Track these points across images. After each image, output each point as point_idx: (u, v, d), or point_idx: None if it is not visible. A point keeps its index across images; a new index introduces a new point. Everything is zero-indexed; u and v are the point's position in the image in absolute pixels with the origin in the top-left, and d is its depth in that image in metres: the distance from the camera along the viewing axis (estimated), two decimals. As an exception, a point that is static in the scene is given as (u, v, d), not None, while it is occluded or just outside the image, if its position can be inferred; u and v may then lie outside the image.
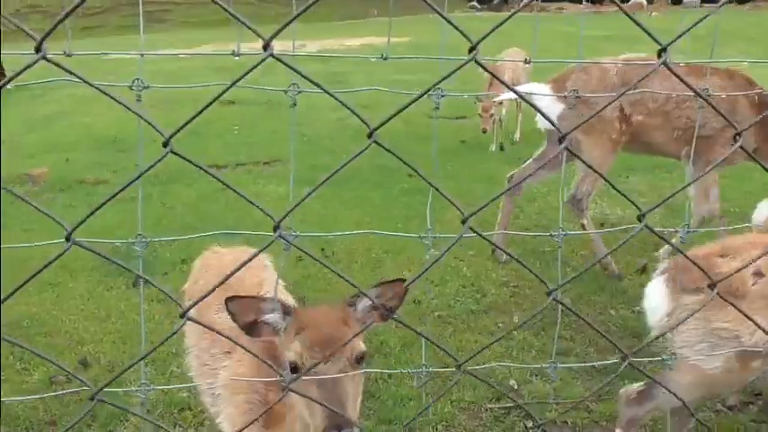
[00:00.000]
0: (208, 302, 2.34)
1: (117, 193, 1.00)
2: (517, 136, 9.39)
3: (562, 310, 4.62)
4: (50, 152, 8.78)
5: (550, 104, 4.98)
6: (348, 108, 1.05)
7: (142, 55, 1.36)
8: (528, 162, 5.66)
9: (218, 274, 2.72)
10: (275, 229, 1.06)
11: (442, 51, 1.62)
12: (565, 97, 4.67)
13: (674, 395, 1.83)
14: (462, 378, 3.89)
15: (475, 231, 1.14)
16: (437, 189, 1.10)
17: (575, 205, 5.16)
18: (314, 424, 1.56)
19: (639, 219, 1.21)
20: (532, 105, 1.05)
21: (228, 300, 1.60)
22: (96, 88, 0.96)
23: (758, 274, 2.47)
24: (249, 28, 0.94)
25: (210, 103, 0.93)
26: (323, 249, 5.58)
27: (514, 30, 6.74)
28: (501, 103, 8.21)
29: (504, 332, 4.39)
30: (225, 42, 18.32)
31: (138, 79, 1.23)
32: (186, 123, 0.93)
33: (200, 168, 0.99)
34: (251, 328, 1.65)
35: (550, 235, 1.47)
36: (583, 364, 3.85)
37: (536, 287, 5.00)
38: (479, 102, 8.35)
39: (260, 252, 1.10)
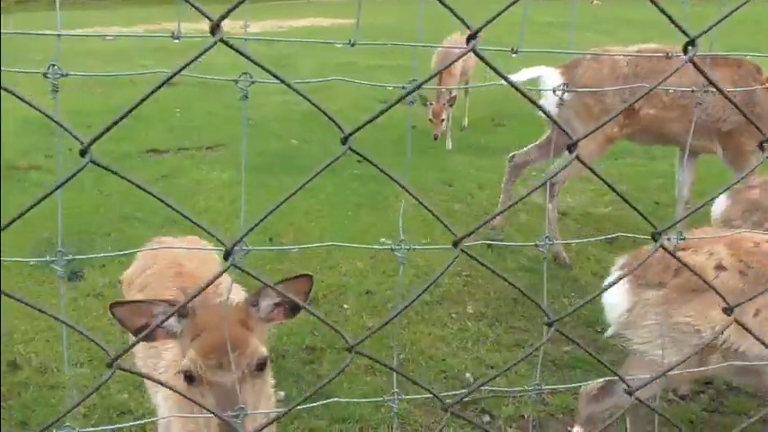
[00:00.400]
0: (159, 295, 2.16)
1: (36, 204, 0.82)
2: (465, 122, 9.22)
3: (514, 299, 4.59)
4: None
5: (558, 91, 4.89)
6: (315, 105, 0.89)
7: (59, 35, 1.15)
8: (530, 147, 5.54)
9: (171, 264, 2.54)
10: (226, 255, 0.89)
11: (421, 37, 1.49)
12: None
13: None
14: (417, 373, 3.80)
15: (468, 254, 1.00)
16: (425, 206, 0.96)
17: (548, 189, 5.11)
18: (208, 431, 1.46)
19: (654, 237, 1.10)
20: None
21: (113, 306, 1.46)
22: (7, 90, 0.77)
23: (720, 267, 2.45)
24: (195, 8, 0.77)
25: (142, 100, 0.76)
26: (271, 239, 5.38)
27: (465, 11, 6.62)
28: (452, 104, 7.69)
29: (457, 323, 4.32)
30: (167, 21, 17.64)
31: (53, 65, 1.03)
32: (108, 129, 0.76)
33: (121, 176, 0.82)
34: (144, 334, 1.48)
35: (535, 245, 1.35)
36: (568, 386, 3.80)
37: (488, 277, 4.95)
38: (429, 105, 7.67)
39: (219, 275, 0.92)
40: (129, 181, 0.85)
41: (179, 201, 5.99)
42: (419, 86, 0.84)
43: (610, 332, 2.76)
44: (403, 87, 1.47)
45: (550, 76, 4.91)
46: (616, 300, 2.66)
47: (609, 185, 1.07)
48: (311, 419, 3.39)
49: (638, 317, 2.58)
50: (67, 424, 1.12)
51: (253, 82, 1.06)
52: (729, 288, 2.35)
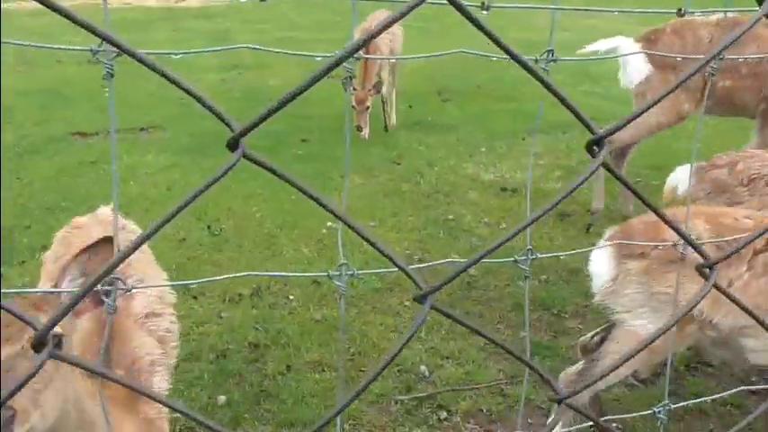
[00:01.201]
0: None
1: None
2: (393, 120, 7.67)
3: (468, 283, 4.41)
4: None
5: (640, 65, 4.67)
6: (205, 104, 0.61)
7: None
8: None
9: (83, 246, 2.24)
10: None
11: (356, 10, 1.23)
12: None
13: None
14: (369, 367, 3.58)
15: (439, 310, 0.75)
16: (368, 239, 0.70)
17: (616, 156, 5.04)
18: None
19: (707, 268, 0.87)
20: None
21: None
22: None
23: (697, 240, 2.36)
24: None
25: None
26: (209, 227, 5.04)
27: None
28: (379, 90, 6.90)
29: (410, 311, 4.11)
30: (93, -6, 16.68)
31: None
32: None
33: None
34: None
35: (515, 260, 1.11)
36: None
37: (442, 260, 4.75)
38: (352, 91, 6.57)
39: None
40: None
41: (109, 188, 5.57)
42: (340, 62, 0.59)
43: (596, 300, 2.75)
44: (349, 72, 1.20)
45: (629, 48, 4.72)
46: (602, 269, 2.69)
47: (633, 190, 0.83)
48: (256, 425, 3.13)
49: (621, 286, 2.62)
50: None
51: (117, 55, 0.77)
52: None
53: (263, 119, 0.58)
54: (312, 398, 3.31)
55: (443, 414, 3.24)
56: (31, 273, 4.20)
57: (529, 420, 3.21)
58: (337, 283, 0.97)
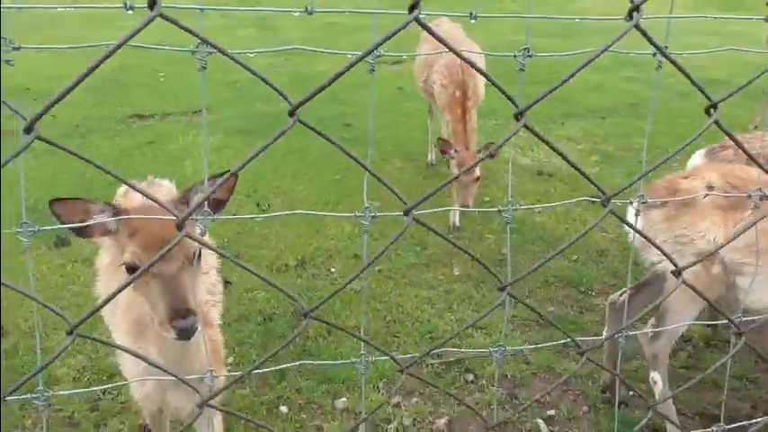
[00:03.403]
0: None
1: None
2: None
3: (499, 260, 4.64)
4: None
5: None
6: (269, 84, 0.89)
7: (20, 8, 1.14)
8: None
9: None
10: (179, 226, 0.90)
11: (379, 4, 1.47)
12: None
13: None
14: (403, 334, 3.86)
15: (420, 222, 1.02)
16: (378, 178, 0.97)
17: None
18: (158, 319, 1.63)
19: (603, 203, 1.12)
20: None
21: (52, 202, 1.55)
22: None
23: (710, 187, 2.78)
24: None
25: (84, 77, 0.76)
26: (258, 204, 5.39)
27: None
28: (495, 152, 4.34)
29: (444, 285, 4.37)
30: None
31: (5, 39, 1.03)
32: (53, 104, 0.76)
33: (70, 152, 0.83)
34: (80, 230, 1.61)
35: (499, 210, 1.37)
36: (534, 346, 3.87)
37: (476, 239, 4.99)
38: (453, 153, 4.73)
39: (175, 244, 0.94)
40: (81, 158, 0.86)
41: (166, 167, 5.97)
42: (369, 52, 0.85)
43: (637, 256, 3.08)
44: (377, 56, 1.46)
45: None
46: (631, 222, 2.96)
47: (558, 152, 1.08)
48: (299, 380, 3.45)
49: (650, 234, 2.87)
50: (39, 388, 1.15)
51: (210, 53, 1.05)
52: (715, 203, 2.76)
53: (315, 94, 0.85)
54: (348, 359, 3.61)
55: (470, 377, 3.50)
56: (95, 241, 4.61)
57: (549, 386, 3.44)
58: (363, 222, 1.23)
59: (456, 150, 4.70)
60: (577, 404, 3.34)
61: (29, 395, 1.16)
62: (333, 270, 4.53)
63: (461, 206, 4.64)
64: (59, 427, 3.10)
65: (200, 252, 1.67)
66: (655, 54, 1.17)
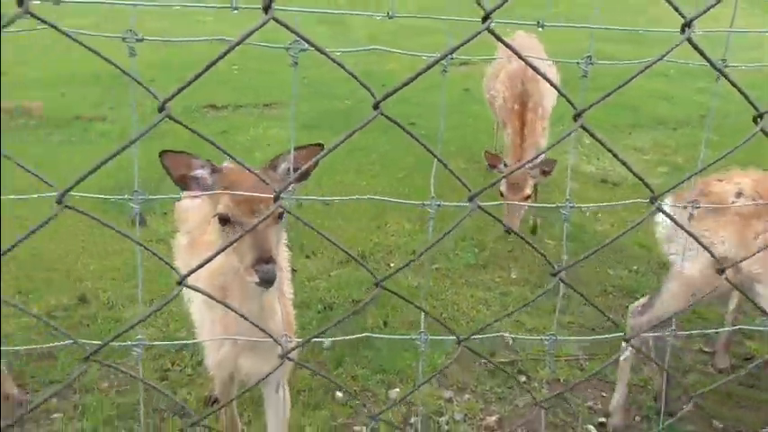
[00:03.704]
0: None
1: (114, 155, 0.96)
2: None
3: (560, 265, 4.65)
4: (46, 86, 8.60)
5: None
6: (354, 76, 1.00)
7: (135, 5, 1.29)
8: None
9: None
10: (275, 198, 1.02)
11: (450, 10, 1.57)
12: None
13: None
14: (456, 328, 3.94)
15: (483, 209, 1.11)
16: (444, 164, 1.06)
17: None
18: (244, 265, 1.81)
19: (652, 201, 1.19)
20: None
21: (162, 153, 1.77)
22: (84, 45, 0.91)
23: (739, 194, 2.84)
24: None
25: (209, 67, 0.88)
26: (323, 197, 5.55)
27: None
28: (550, 170, 4.28)
29: (501, 287, 4.41)
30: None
31: (130, 30, 1.18)
32: (183, 87, 0.89)
33: (196, 133, 0.96)
34: (182, 182, 1.83)
35: (556, 206, 1.44)
36: (582, 338, 3.89)
37: (536, 243, 5.00)
38: (501, 167, 4.31)
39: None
40: (200, 135, 0.98)
41: (238, 155, 6.20)
42: (452, 51, 0.94)
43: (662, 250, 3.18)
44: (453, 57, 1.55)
45: None
46: (663, 221, 3.09)
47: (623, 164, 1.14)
48: (355, 368, 3.58)
49: (674, 231, 2.98)
50: (139, 336, 1.29)
51: (302, 50, 1.17)
52: (742, 211, 2.80)
53: (398, 89, 0.95)
54: (405, 351, 3.71)
55: (522, 378, 3.55)
56: (172, 222, 4.87)
57: (602, 393, 3.45)
58: (429, 209, 1.33)
59: (505, 165, 4.30)
60: (629, 413, 3.33)
61: (128, 342, 1.31)
62: (392, 265, 4.64)
63: (506, 226, 4.31)
64: (131, 395, 3.31)
65: (282, 212, 1.83)
66: (717, 66, 1.23)
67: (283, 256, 2.60)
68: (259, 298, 2.03)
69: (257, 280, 1.78)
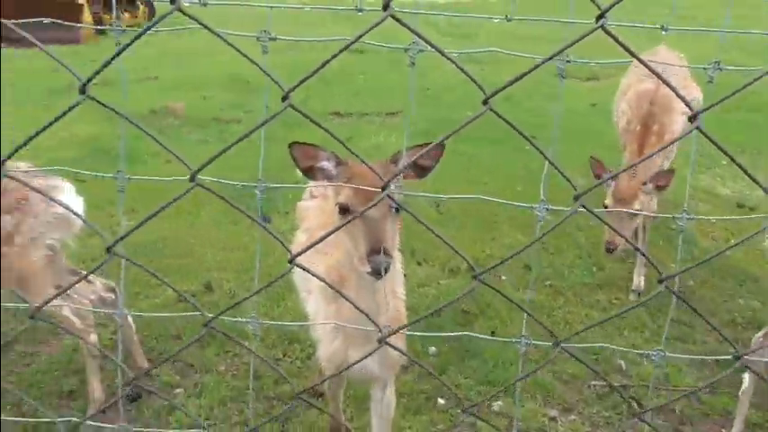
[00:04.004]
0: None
1: (241, 139, 1.05)
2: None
3: (681, 292, 4.38)
4: (189, 89, 9.30)
5: None
6: (465, 73, 1.02)
7: (271, 8, 1.40)
8: None
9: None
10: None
11: (572, 13, 1.54)
12: None
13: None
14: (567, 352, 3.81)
15: (587, 209, 1.09)
16: (550, 161, 1.06)
17: None
18: (358, 255, 1.89)
19: None
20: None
21: (291, 144, 1.88)
22: (223, 39, 1.00)
23: None
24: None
25: (328, 61, 0.94)
26: (438, 205, 5.59)
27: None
28: (665, 184, 3.90)
29: (617, 310, 4.23)
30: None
31: (264, 31, 1.28)
32: (306, 78, 0.95)
33: (316, 123, 1.02)
34: (308, 173, 1.95)
35: (673, 217, 1.38)
36: (692, 356, 3.66)
37: (659, 265, 4.74)
38: (608, 182, 3.91)
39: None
40: (330, 133, 1.04)
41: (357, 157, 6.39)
42: (566, 48, 0.93)
43: None
44: (566, 61, 1.54)
45: None
46: None
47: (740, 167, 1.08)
48: (459, 377, 3.57)
49: None
50: (253, 314, 1.38)
51: (420, 50, 1.21)
52: None
53: (505, 87, 0.96)
54: (510, 365, 3.66)
55: (633, 404, 3.38)
56: (293, 220, 5.10)
57: (722, 429, 3.22)
58: (537, 213, 1.32)
59: (609, 173, 3.75)
60: (752, 455, 3.09)
61: (243, 319, 1.40)
62: (503, 278, 4.59)
63: (608, 244, 3.84)
64: (244, 380, 3.50)
65: (400, 205, 1.88)
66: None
67: (398, 256, 2.64)
68: (373, 294, 2.08)
69: (369, 270, 1.84)
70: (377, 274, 1.83)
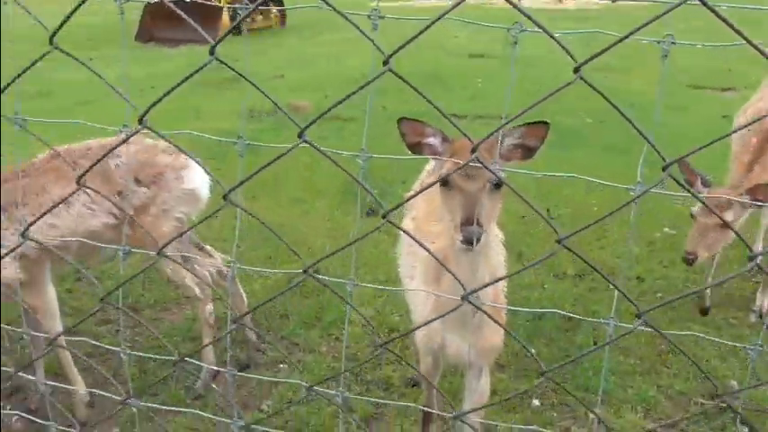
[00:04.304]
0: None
1: (339, 102, 1.13)
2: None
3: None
4: (313, 89, 9.72)
5: None
6: (556, 41, 1.05)
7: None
8: None
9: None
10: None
11: None
12: None
13: None
14: (675, 364, 3.65)
15: (680, 184, 1.08)
16: (648, 140, 1.06)
17: None
18: (453, 224, 1.95)
19: None
20: None
21: (400, 120, 1.95)
22: (343, 16, 1.09)
23: None
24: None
25: (428, 27, 1.01)
26: (548, 210, 5.51)
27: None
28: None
29: (734, 329, 3.99)
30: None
31: (375, 9, 1.38)
32: (405, 44, 1.03)
33: (415, 90, 1.09)
34: (415, 148, 2.01)
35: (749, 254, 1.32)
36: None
37: None
38: (702, 191, 3.57)
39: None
40: (434, 105, 1.11)
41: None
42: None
43: None
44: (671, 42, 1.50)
45: None
46: None
47: None
48: (556, 379, 3.51)
49: None
50: (351, 276, 1.48)
51: (523, 30, 1.25)
52: None
53: (600, 53, 0.98)
54: (612, 375, 3.55)
55: (745, 430, 3.18)
56: (399, 213, 5.21)
57: None
58: (632, 193, 1.31)
59: (704, 183, 3.57)
60: None
61: (341, 279, 1.50)
62: (611, 288, 4.45)
63: (688, 253, 3.55)
64: (342, 361, 3.64)
65: (500, 182, 1.94)
66: None
67: (502, 250, 2.64)
68: (473, 275, 2.11)
69: (461, 238, 1.88)
70: (468, 242, 1.87)
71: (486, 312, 1.47)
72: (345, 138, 7.54)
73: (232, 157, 6.27)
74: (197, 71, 1.08)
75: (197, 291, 3.38)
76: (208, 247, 3.63)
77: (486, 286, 1.77)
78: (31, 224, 1.45)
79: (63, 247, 2.90)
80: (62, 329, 3.09)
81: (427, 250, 1.39)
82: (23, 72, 1.28)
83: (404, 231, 1.41)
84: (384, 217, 1.23)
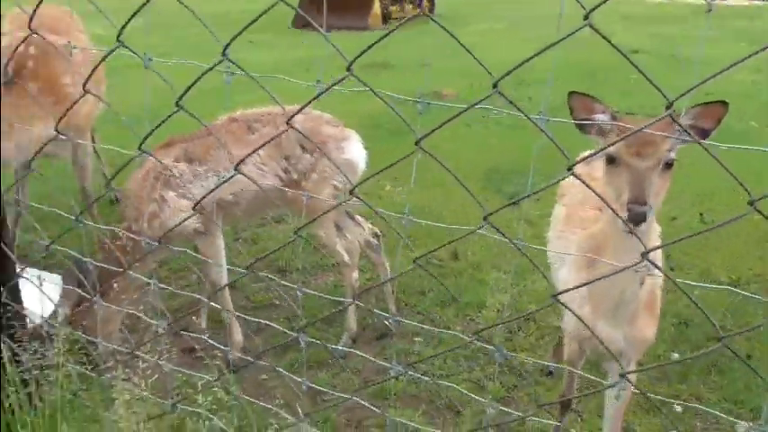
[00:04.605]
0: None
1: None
2: None
3: None
4: (460, 77, 9.75)
5: None
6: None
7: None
8: None
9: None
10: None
11: None
12: None
13: None
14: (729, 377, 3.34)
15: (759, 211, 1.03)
16: (721, 164, 1.01)
17: None
18: (619, 202, 1.89)
19: None
20: None
21: (571, 93, 1.93)
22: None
23: None
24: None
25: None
26: (701, 215, 5.21)
27: None
28: None
29: None
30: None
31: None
32: (515, 68, 1.04)
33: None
34: (582, 126, 1.97)
35: None
36: None
37: None
38: None
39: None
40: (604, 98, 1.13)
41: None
42: None
43: None
44: None
45: None
46: None
47: None
48: (700, 388, 3.36)
49: None
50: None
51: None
52: None
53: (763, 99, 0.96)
54: (766, 392, 3.32)
55: None
56: (542, 207, 5.14)
57: None
58: None
59: None
60: None
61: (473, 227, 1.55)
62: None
63: None
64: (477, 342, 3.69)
65: (672, 162, 1.89)
66: None
67: (658, 240, 2.55)
68: (631, 262, 2.07)
69: (626, 215, 1.81)
70: (635, 221, 1.80)
71: (659, 268, 1.47)
72: (491, 128, 7.54)
73: (382, 138, 6.47)
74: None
75: (346, 257, 3.57)
76: (358, 217, 3.80)
77: (657, 248, 1.74)
78: (242, 160, 1.62)
79: (234, 202, 3.19)
80: (227, 280, 3.39)
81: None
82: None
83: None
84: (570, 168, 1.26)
